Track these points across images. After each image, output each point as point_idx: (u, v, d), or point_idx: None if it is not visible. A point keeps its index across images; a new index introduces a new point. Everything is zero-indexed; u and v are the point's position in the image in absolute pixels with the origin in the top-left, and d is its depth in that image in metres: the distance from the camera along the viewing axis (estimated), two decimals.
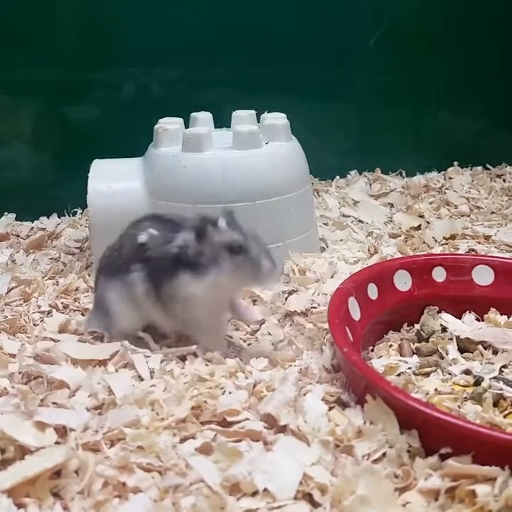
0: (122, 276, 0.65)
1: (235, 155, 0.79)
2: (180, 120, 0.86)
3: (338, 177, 1.19)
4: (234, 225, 0.62)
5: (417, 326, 0.70)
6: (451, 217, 1.06)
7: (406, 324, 0.71)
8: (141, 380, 0.60)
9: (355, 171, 1.20)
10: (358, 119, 1.21)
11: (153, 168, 0.82)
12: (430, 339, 0.68)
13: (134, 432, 0.51)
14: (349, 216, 1.04)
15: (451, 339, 0.68)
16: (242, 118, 0.86)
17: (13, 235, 0.99)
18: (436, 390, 0.60)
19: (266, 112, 0.89)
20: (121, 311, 0.65)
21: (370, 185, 1.16)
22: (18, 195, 1.06)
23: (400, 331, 0.70)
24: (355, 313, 0.65)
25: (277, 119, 0.85)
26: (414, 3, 1.20)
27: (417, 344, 0.68)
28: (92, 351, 0.64)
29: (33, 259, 0.90)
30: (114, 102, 1.11)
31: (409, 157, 1.22)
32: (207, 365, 0.62)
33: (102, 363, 0.63)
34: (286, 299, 0.75)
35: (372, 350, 0.67)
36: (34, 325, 0.72)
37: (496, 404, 0.59)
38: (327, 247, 0.90)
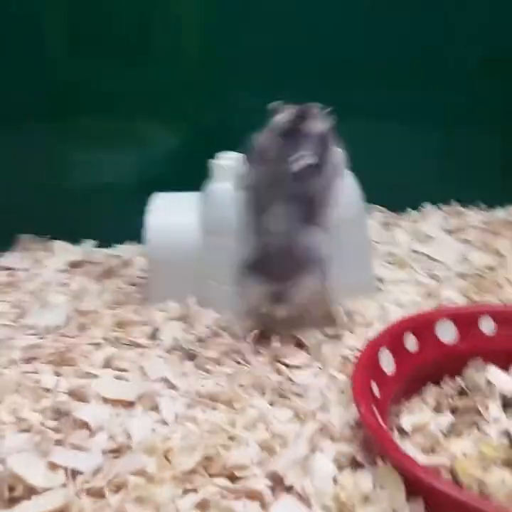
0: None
1: None
2: (238, 155, 0.85)
3: (411, 209, 1.14)
4: None
5: (459, 380, 0.66)
6: None
7: (447, 378, 0.66)
8: (166, 424, 0.60)
9: (430, 203, 1.15)
10: (435, 146, 1.14)
11: (208, 204, 0.82)
12: (471, 395, 0.64)
13: (137, 481, 0.51)
14: (419, 252, 1.00)
15: (496, 396, 0.63)
16: None
17: (88, 262, 1.02)
18: (464, 453, 0.56)
19: None
20: None
21: (446, 219, 1.11)
22: (97, 222, 1.09)
23: (439, 385, 0.66)
24: (388, 367, 0.62)
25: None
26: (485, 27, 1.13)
27: (456, 400, 0.64)
28: (122, 391, 0.64)
29: (100, 289, 0.92)
30: (192, 131, 1.11)
31: (491, 188, 1.14)
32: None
33: (132, 403, 0.63)
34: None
35: (406, 405, 0.63)
36: (85, 357, 0.73)
37: None
38: (383, 287, 0.86)
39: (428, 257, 0.99)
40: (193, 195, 0.86)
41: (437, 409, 0.63)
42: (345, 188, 0.81)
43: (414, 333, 0.65)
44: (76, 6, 1.01)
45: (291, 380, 0.69)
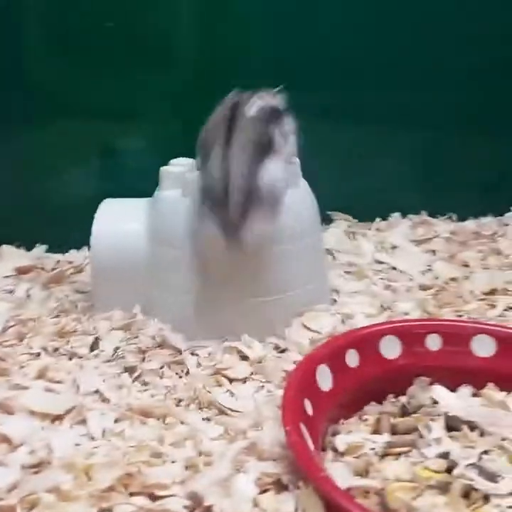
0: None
1: None
2: (191, 161, 0.86)
3: (378, 219, 1.15)
4: None
5: (403, 399, 0.67)
6: (500, 268, 1.00)
7: (392, 396, 0.67)
8: (92, 439, 0.61)
9: (399, 213, 1.16)
10: (407, 153, 1.15)
11: (154, 212, 0.82)
12: (413, 415, 0.64)
13: (50, 498, 0.52)
14: (383, 262, 1.01)
15: (440, 415, 0.64)
16: None
17: (37, 267, 1.02)
18: (397, 476, 0.57)
19: None
20: None
21: (414, 229, 1.12)
22: (51, 226, 1.09)
23: (382, 404, 0.67)
24: (325, 383, 0.63)
25: None
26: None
27: (397, 419, 0.64)
28: (51, 404, 0.65)
29: (46, 296, 0.92)
30: (159, 133, 1.12)
31: (463, 199, 1.15)
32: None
33: (60, 416, 0.64)
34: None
35: (343, 425, 0.64)
36: (21, 367, 0.74)
37: (467, 496, 0.55)
38: (338, 299, 0.87)
39: (391, 267, 1.00)
40: (142, 201, 0.87)
41: (376, 428, 0.63)
42: (299, 197, 0.82)
43: (355, 349, 0.66)
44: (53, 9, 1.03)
45: (232, 393, 0.69)
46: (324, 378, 0.63)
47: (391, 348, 0.68)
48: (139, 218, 0.84)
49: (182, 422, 0.63)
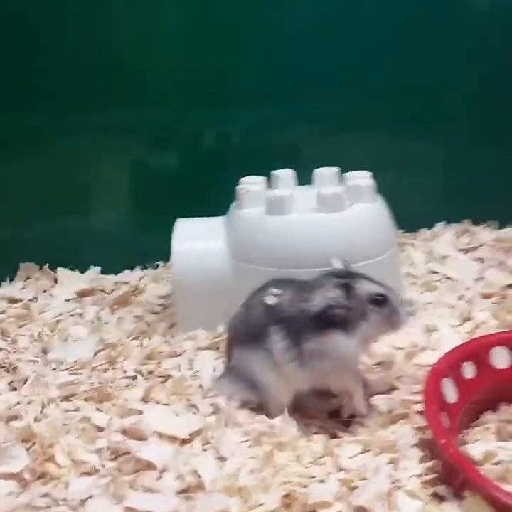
0: (260, 343, 0.66)
1: (318, 218, 0.79)
2: (263, 179, 0.86)
3: (423, 229, 1.16)
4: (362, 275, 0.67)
5: None
6: None
7: (504, 404, 0.68)
8: (225, 460, 0.60)
9: (443, 222, 1.17)
10: (446, 162, 1.17)
11: (237, 230, 0.83)
12: None
13: None
14: (437, 272, 1.02)
15: None
16: (325, 178, 0.87)
17: (98, 289, 1.01)
18: None
19: (350, 172, 0.88)
20: (272, 382, 0.67)
21: (458, 237, 1.14)
22: (101, 247, 1.08)
23: (496, 412, 0.68)
24: (451, 396, 0.64)
25: (362, 180, 0.84)
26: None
27: None
28: (179, 426, 0.64)
29: (118, 318, 0.92)
30: (196, 154, 1.12)
31: (503, 206, 1.17)
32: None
33: (187, 440, 0.63)
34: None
35: (468, 434, 0.65)
36: (123, 392, 0.73)
37: None
38: (415, 311, 0.88)
39: (446, 277, 1.01)
40: (217, 220, 0.87)
41: (499, 436, 0.64)
42: (377, 213, 0.83)
43: (471, 360, 0.67)
44: None
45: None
46: (449, 391, 0.64)
47: (500, 358, 0.69)
48: (218, 236, 0.85)
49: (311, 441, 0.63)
